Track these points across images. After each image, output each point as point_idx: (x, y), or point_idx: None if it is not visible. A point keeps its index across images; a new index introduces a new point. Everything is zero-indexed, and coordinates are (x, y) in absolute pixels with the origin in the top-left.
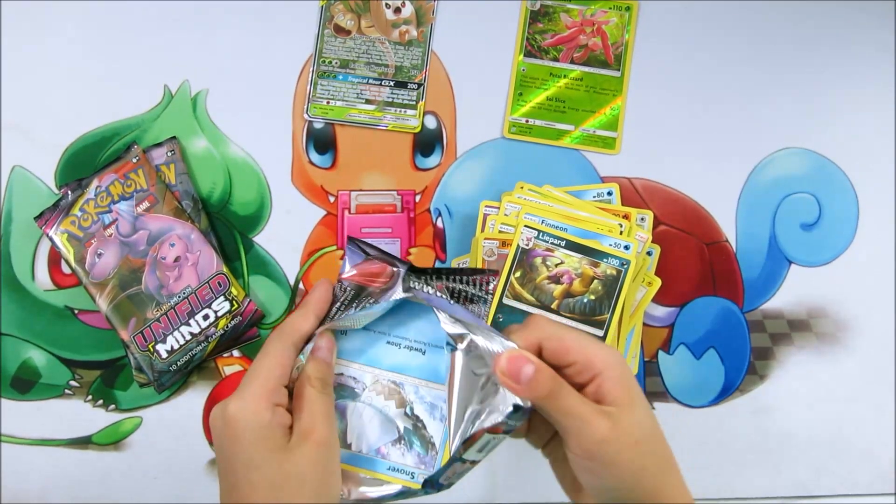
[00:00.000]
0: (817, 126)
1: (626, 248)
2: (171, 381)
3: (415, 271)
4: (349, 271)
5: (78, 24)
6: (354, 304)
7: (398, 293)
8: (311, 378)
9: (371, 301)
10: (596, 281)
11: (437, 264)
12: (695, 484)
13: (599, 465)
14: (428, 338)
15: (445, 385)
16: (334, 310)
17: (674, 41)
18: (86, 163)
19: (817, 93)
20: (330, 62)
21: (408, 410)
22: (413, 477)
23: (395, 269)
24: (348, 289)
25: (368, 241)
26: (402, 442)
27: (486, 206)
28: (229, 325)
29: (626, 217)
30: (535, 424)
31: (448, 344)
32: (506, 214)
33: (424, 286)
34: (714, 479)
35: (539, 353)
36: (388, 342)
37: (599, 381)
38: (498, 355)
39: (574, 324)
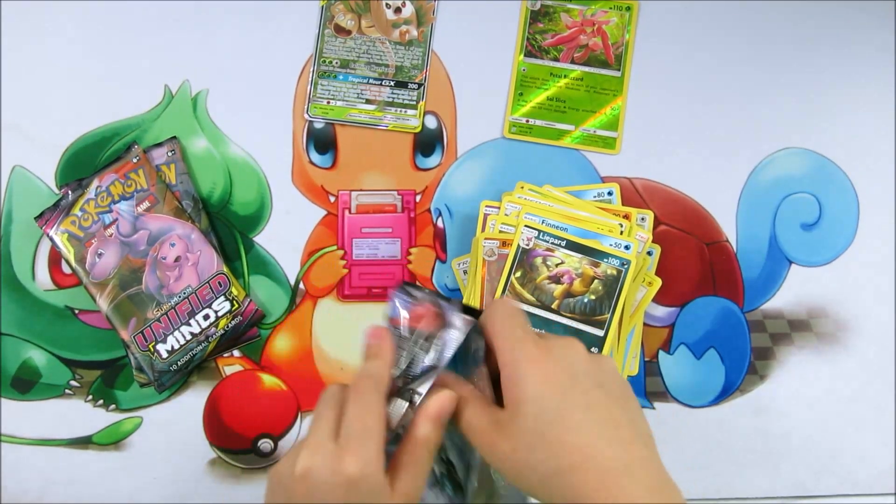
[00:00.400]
0: (817, 126)
1: (627, 247)
2: (172, 381)
3: (468, 311)
4: (403, 315)
5: (78, 24)
6: (418, 345)
7: (454, 333)
8: (428, 441)
9: (428, 342)
10: (596, 281)
11: (438, 264)
12: (695, 484)
13: (514, 477)
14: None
15: None
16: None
17: (674, 41)
18: (86, 163)
19: (817, 93)
20: (330, 62)
21: (442, 455)
22: None
23: (439, 310)
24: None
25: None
26: (438, 485)
27: (487, 206)
28: (230, 325)
29: (626, 217)
30: None
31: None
32: (506, 214)
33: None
34: (714, 479)
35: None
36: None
37: (502, 378)
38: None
39: (574, 324)
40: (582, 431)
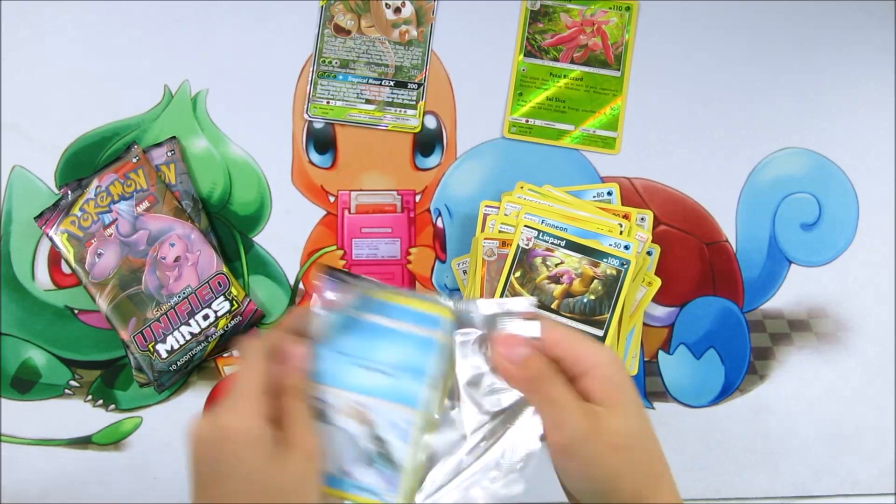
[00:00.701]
0: (817, 126)
1: (626, 247)
2: (171, 381)
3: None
4: (328, 296)
5: (78, 24)
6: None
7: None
8: (292, 389)
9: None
10: (596, 281)
11: (437, 264)
12: (695, 484)
13: (575, 465)
14: (394, 360)
15: (411, 408)
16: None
17: (674, 41)
18: (86, 163)
19: (817, 93)
20: (330, 62)
21: (373, 432)
22: (378, 496)
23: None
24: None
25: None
26: (368, 462)
27: (486, 206)
28: (229, 325)
29: (626, 217)
30: None
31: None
32: (506, 214)
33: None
34: (714, 479)
35: None
36: (356, 364)
37: (587, 379)
38: (495, 337)
39: (574, 324)
40: (657, 448)
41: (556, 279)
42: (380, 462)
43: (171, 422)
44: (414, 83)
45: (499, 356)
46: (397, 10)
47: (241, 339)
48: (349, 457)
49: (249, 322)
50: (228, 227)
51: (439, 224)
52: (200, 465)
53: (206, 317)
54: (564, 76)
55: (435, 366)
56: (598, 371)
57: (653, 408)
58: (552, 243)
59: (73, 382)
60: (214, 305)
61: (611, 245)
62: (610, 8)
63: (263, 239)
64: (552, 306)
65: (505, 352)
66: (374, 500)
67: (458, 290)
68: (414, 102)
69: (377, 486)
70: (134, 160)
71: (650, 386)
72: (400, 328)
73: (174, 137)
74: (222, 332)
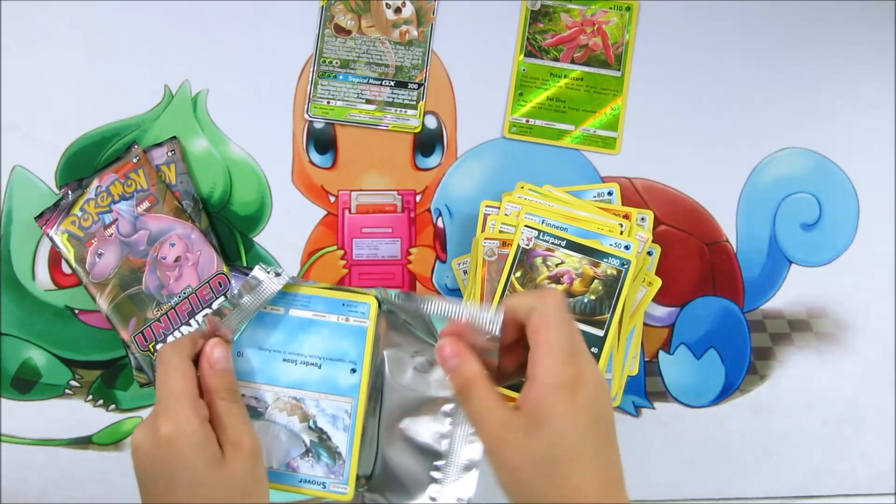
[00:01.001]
0: (817, 126)
1: (627, 247)
2: None
3: None
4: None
5: (78, 25)
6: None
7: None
8: (220, 390)
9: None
10: (596, 281)
11: (438, 264)
12: (695, 484)
13: (504, 487)
14: (321, 352)
15: (345, 397)
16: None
17: (674, 41)
18: (86, 163)
19: (817, 93)
20: (330, 62)
21: (311, 424)
22: (324, 486)
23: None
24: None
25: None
26: (310, 454)
27: (487, 206)
28: None
29: (626, 217)
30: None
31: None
32: (506, 214)
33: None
34: (714, 479)
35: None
36: (284, 360)
37: (528, 386)
38: (441, 342)
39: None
40: (587, 475)
41: (556, 279)
42: (323, 453)
43: None
44: (414, 83)
45: (438, 357)
46: (398, 10)
47: (160, 347)
48: (292, 451)
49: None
50: (229, 227)
51: (440, 224)
52: (147, 477)
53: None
54: (565, 76)
55: (362, 351)
56: (539, 381)
57: (653, 408)
58: (552, 243)
59: (73, 382)
60: (215, 305)
61: (611, 245)
62: (610, 8)
63: (264, 239)
64: None
65: (440, 356)
66: (321, 491)
67: (459, 290)
68: (414, 102)
69: (323, 476)
70: (134, 160)
71: (650, 386)
72: (324, 319)
73: (174, 137)
74: None
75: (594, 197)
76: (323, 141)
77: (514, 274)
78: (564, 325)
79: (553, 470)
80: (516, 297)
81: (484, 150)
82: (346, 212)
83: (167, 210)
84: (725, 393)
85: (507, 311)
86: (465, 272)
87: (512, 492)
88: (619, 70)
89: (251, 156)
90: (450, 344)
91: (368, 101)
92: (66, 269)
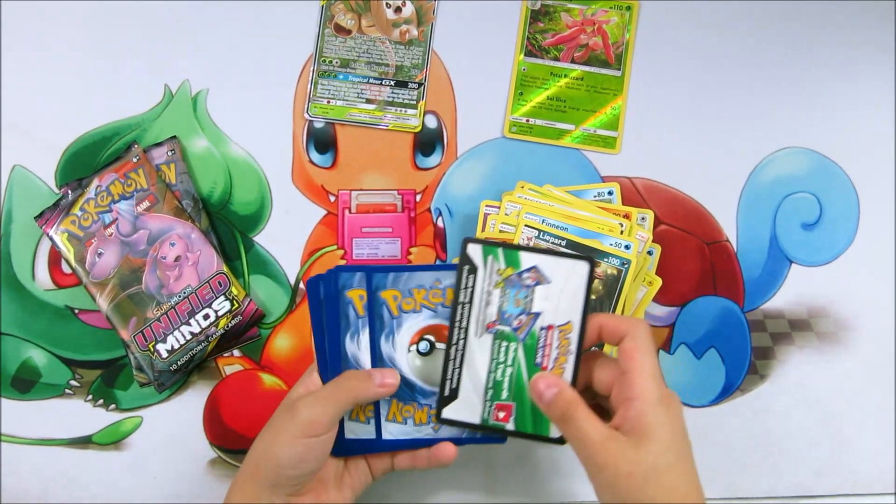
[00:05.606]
0: (818, 125)
1: (627, 247)
2: (172, 380)
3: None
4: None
5: (78, 24)
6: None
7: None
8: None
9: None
10: (596, 280)
11: (438, 263)
12: None
13: (609, 497)
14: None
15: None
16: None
17: (674, 41)
18: (86, 162)
19: (818, 92)
20: (330, 62)
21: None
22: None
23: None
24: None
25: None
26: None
27: (487, 206)
28: (230, 325)
29: (626, 217)
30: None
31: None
32: (506, 214)
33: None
34: (714, 479)
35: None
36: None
37: (627, 405)
38: (535, 376)
39: None
40: (688, 479)
41: None
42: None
43: (172, 422)
44: (414, 83)
45: (533, 393)
46: (398, 10)
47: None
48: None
49: (250, 322)
50: (229, 227)
51: (440, 224)
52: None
53: (206, 316)
54: (565, 76)
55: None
56: (639, 403)
57: None
58: (553, 243)
59: (73, 382)
60: (215, 305)
61: (611, 245)
62: (610, 7)
63: (264, 238)
64: None
65: (535, 391)
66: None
67: None
68: (414, 102)
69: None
70: (134, 160)
71: None
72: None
73: (174, 137)
74: (223, 331)
75: (594, 196)
76: (323, 140)
77: None
78: (653, 351)
79: (662, 477)
80: (606, 318)
81: (484, 150)
82: (347, 211)
83: (167, 210)
84: (726, 393)
85: (593, 327)
86: None
87: (623, 497)
88: (619, 70)
89: (251, 155)
90: (542, 378)
91: (368, 101)
92: (66, 268)
